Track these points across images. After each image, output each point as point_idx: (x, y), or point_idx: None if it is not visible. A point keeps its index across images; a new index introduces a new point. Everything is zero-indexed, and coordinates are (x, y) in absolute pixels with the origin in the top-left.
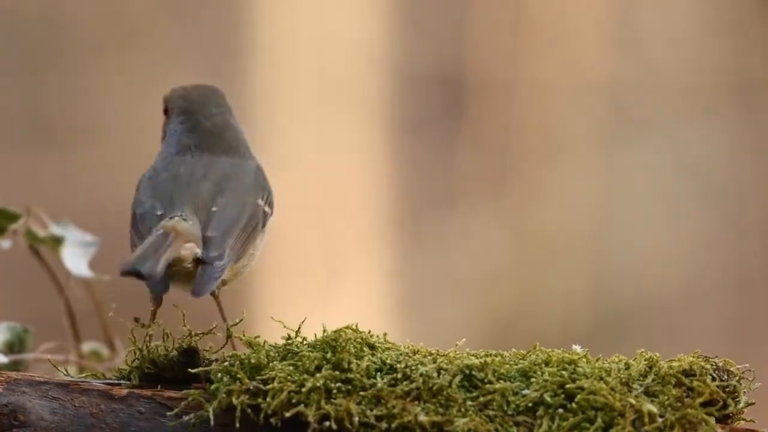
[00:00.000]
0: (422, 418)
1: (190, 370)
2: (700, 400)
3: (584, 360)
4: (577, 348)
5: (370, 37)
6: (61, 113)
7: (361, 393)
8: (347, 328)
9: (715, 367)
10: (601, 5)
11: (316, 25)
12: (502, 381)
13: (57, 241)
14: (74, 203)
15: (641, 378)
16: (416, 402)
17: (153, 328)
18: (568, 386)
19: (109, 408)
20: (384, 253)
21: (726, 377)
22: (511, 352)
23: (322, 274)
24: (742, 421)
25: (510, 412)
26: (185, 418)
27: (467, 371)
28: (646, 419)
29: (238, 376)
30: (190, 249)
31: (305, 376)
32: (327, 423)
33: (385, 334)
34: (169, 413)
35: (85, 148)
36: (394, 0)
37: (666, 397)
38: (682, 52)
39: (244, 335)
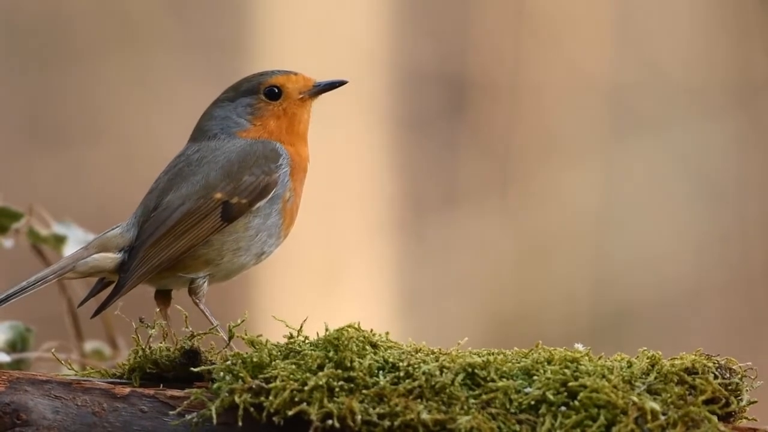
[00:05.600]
0: (425, 416)
1: (192, 369)
2: (702, 398)
3: (586, 358)
4: (579, 346)
5: (373, 36)
6: (63, 113)
7: (364, 391)
8: (349, 326)
9: (717, 365)
10: (601, 6)
11: (318, 25)
12: (504, 379)
13: (59, 240)
14: (76, 202)
15: (644, 376)
16: (419, 400)
17: (156, 329)
18: (570, 384)
19: (112, 407)
20: (386, 252)
21: (728, 375)
22: (513, 351)
23: (324, 273)
24: (744, 419)
25: (513, 410)
26: (188, 417)
27: (470, 369)
28: (649, 417)
29: (241, 374)
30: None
31: (308, 374)
32: (329, 421)
33: (387, 333)
34: (171, 412)
35: (86, 147)
36: (397, 0)
37: (668, 395)
38: (682, 51)
39: (246, 334)
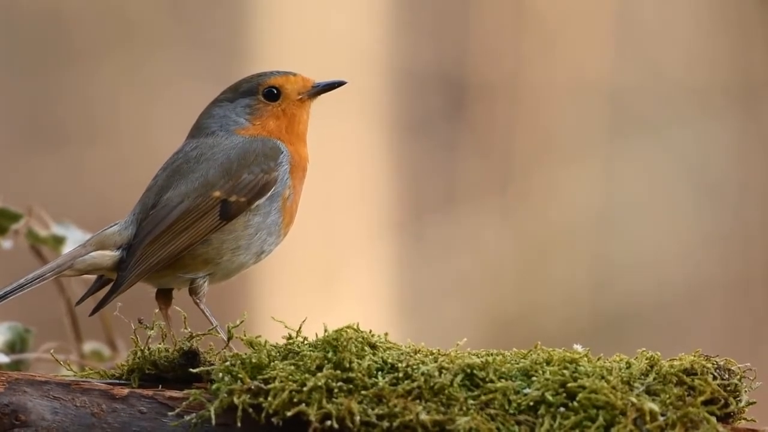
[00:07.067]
0: (424, 416)
1: (191, 370)
2: (701, 398)
3: (585, 359)
4: (578, 347)
5: (372, 37)
6: (62, 113)
7: (363, 392)
8: (348, 327)
9: (716, 366)
10: (601, 6)
11: (317, 26)
12: (503, 380)
13: (58, 241)
14: (75, 203)
15: (642, 377)
16: (417, 401)
17: (155, 330)
18: (569, 385)
19: (110, 408)
20: (385, 253)
21: (727, 376)
22: (512, 352)
23: (323, 274)
24: (743, 420)
25: (511, 411)
26: (186, 417)
27: (468, 370)
28: (648, 418)
29: (240, 375)
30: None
31: (307, 375)
32: (328, 422)
33: (386, 334)
34: (170, 413)
35: (86, 148)
36: (396, 1)
37: (667, 396)
38: (682, 52)
39: (245, 335)
